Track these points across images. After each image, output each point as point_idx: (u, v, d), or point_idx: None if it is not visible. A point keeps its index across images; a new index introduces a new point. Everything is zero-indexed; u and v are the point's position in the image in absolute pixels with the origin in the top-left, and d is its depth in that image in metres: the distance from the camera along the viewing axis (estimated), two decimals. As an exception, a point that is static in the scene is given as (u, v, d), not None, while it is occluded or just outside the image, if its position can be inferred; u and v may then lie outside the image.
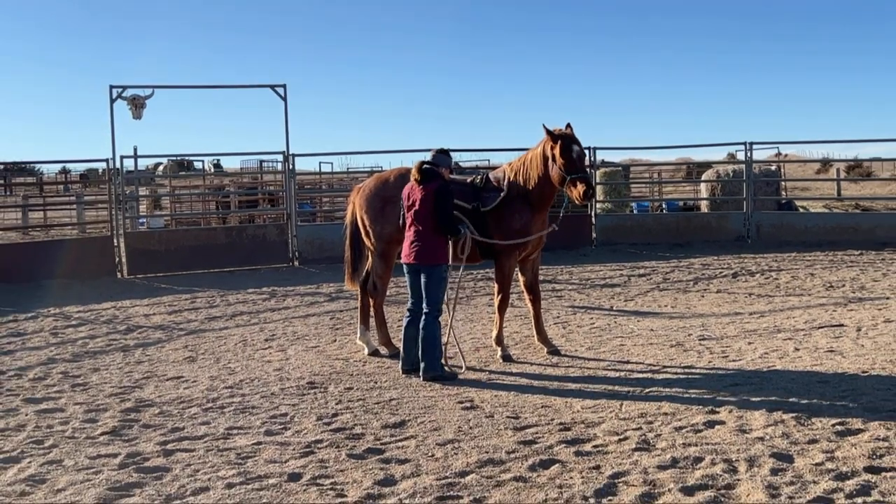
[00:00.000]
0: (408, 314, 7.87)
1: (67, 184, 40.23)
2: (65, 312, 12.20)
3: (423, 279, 7.62)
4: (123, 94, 17.51)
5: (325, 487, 4.99)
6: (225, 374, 8.11)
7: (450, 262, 7.78)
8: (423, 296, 7.63)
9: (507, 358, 8.27)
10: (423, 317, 7.61)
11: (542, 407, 6.59)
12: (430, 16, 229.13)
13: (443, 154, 7.94)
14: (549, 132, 7.95)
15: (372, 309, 8.91)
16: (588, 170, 8.23)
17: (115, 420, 6.56)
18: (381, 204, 8.48)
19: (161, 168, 34.68)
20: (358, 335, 8.97)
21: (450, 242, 7.76)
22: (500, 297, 8.38)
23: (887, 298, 11.30)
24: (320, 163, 32.83)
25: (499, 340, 8.46)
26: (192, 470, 5.35)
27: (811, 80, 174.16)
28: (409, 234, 7.68)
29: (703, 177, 24.13)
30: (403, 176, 8.29)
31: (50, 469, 5.45)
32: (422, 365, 7.57)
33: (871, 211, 22.81)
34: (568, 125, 8.01)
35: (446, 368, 7.73)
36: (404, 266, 7.77)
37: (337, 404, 6.85)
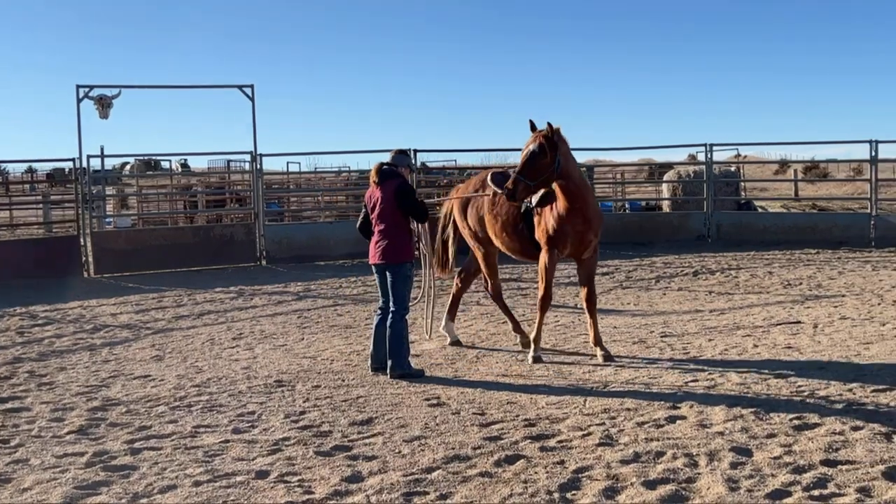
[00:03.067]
0: (378, 312, 7.93)
1: (34, 183, 39.52)
2: (31, 311, 12.08)
3: (388, 278, 7.68)
4: (90, 94, 17.41)
5: (292, 484, 5.02)
6: (192, 373, 8.10)
7: (413, 260, 7.81)
8: (390, 294, 7.69)
9: (536, 360, 8.00)
10: (390, 315, 7.66)
11: (507, 403, 6.67)
12: (399, 16, 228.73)
13: (402, 154, 8.00)
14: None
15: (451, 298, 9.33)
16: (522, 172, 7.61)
17: (81, 419, 6.53)
18: (465, 205, 8.92)
19: (128, 168, 34.28)
20: (443, 324, 9.13)
21: (414, 241, 7.83)
22: (539, 295, 8.26)
23: (843, 296, 11.55)
24: (288, 162, 32.62)
25: (535, 339, 8.19)
26: (160, 468, 5.35)
27: (770, 82, 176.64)
28: (374, 235, 7.75)
29: (665, 177, 24.45)
30: (483, 180, 8.76)
31: (16, 468, 5.43)
32: (389, 363, 7.63)
33: (828, 211, 23.23)
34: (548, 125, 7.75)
35: (413, 366, 7.79)
36: (372, 266, 7.84)
37: (304, 402, 6.88)
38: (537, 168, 7.55)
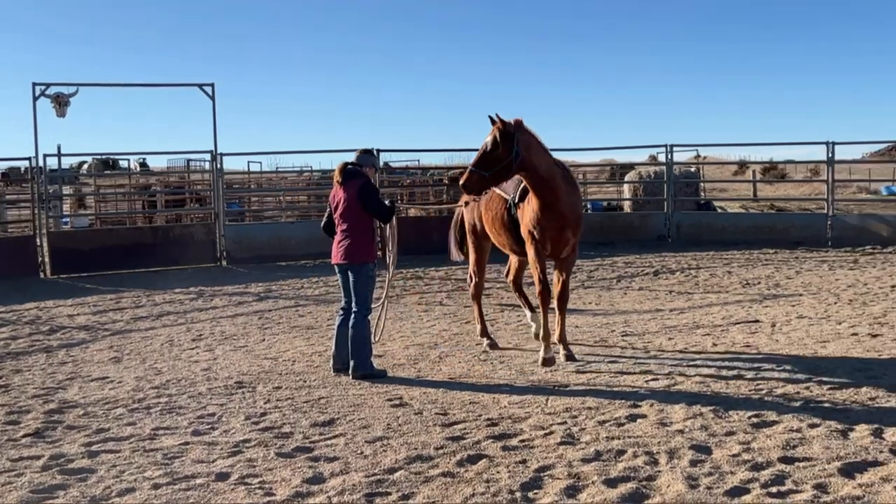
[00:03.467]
0: (340, 313, 7.90)
1: (-12, 182, 38.79)
2: (-16, 313, 11.84)
3: (350, 278, 7.66)
4: (47, 92, 17.22)
5: (253, 486, 4.98)
6: (151, 375, 8.01)
7: (375, 261, 7.76)
8: (352, 295, 7.67)
9: (547, 362, 7.84)
10: (353, 316, 7.64)
11: (470, 403, 6.68)
12: (360, 15, 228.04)
13: (366, 154, 7.95)
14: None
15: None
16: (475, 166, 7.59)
17: (37, 422, 6.44)
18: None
19: (85, 167, 33.79)
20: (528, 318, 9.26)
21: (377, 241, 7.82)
22: (536, 290, 8.19)
23: (800, 295, 11.73)
24: (249, 162, 32.44)
25: (544, 337, 8.06)
26: (118, 471, 5.29)
27: (729, 84, 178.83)
28: (336, 235, 7.72)
29: (626, 178, 24.65)
30: None
31: (-31, 473, 5.31)
32: (351, 363, 7.59)
33: (785, 211, 23.56)
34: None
35: (376, 366, 7.76)
36: (335, 266, 7.80)
37: (265, 403, 6.83)
38: (491, 159, 7.54)
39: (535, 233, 7.92)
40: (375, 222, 7.83)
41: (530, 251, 8.07)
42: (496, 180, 7.75)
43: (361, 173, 7.72)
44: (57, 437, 6.07)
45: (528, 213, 7.99)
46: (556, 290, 8.20)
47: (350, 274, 7.65)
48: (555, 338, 8.18)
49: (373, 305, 7.85)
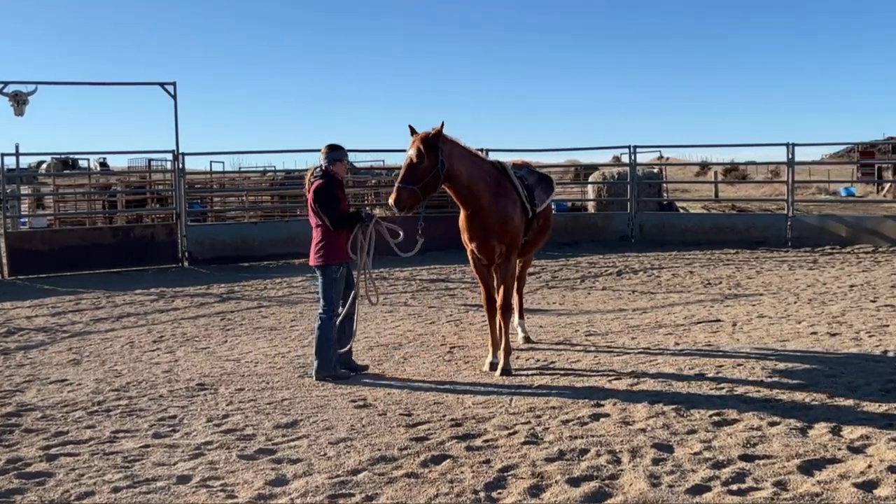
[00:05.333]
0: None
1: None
2: (-62, 315, 11.61)
3: (318, 279, 7.65)
4: (4, 90, 17.04)
5: (215, 489, 4.94)
6: (111, 377, 7.90)
7: (341, 263, 7.62)
8: (320, 295, 7.63)
9: (493, 366, 7.70)
10: (317, 317, 7.61)
11: (434, 404, 6.68)
12: (325, 12, 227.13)
13: (332, 150, 7.79)
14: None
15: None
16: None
17: (-6, 425, 6.33)
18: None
19: (44, 166, 33.25)
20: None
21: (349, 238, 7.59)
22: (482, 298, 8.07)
23: (761, 295, 11.88)
24: (211, 162, 32.06)
25: (504, 348, 7.81)
26: (77, 474, 5.22)
27: (691, 85, 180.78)
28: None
29: (590, 179, 24.80)
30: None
31: (-78, 478, 5.21)
32: (315, 364, 7.56)
33: (746, 212, 23.88)
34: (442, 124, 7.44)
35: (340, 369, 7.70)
36: None
37: (228, 405, 6.78)
38: (417, 173, 7.25)
39: (465, 240, 7.84)
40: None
41: (470, 258, 8.01)
42: (426, 193, 7.36)
43: (326, 173, 7.64)
44: (14, 440, 5.97)
45: (460, 221, 7.86)
46: (499, 298, 7.89)
47: (317, 274, 7.63)
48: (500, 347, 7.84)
49: (340, 310, 7.70)
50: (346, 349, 7.77)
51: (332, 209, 7.53)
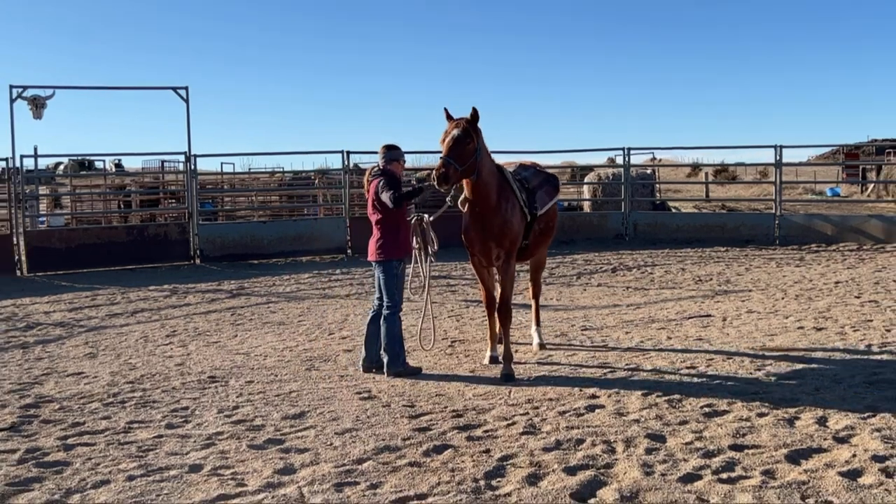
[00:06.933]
0: (371, 310, 7.84)
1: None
2: (-40, 310, 11.77)
3: (379, 275, 7.59)
4: (24, 94, 17.36)
5: (225, 477, 5.08)
6: (126, 370, 8.08)
7: (402, 258, 7.56)
8: (383, 292, 7.61)
9: (507, 377, 7.35)
10: (383, 314, 7.57)
11: (436, 395, 6.85)
12: (331, 17, 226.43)
13: (389, 150, 7.66)
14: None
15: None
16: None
17: (13, 416, 6.49)
18: None
19: (62, 168, 33.46)
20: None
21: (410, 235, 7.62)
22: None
23: (750, 291, 12.10)
24: (222, 163, 32.18)
25: (503, 353, 7.65)
26: (93, 463, 5.37)
27: (684, 88, 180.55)
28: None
29: (586, 179, 25.06)
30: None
31: (-55, 467, 5.36)
32: (385, 360, 7.57)
33: (736, 211, 24.01)
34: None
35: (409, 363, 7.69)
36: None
37: (238, 397, 6.95)
38: (464, 153, 6.97)
39: (464, 241, 7.72)
40: (414, 219, 7.62)
41: (470, 259, 7.91)
42: (465, 175, 7.11)
43: (384, 172, 7.54)
44: (33, 430, 6.13)
45: (464, 218, 7.66)
46: (499, 300, 7.79)
47: (378, 271, 7.60)
48: (500, 349, 7.83)
49: (409, 297, 7.69)
50: (430, 347, 8.12)
51: (394, 188, 7.35)
